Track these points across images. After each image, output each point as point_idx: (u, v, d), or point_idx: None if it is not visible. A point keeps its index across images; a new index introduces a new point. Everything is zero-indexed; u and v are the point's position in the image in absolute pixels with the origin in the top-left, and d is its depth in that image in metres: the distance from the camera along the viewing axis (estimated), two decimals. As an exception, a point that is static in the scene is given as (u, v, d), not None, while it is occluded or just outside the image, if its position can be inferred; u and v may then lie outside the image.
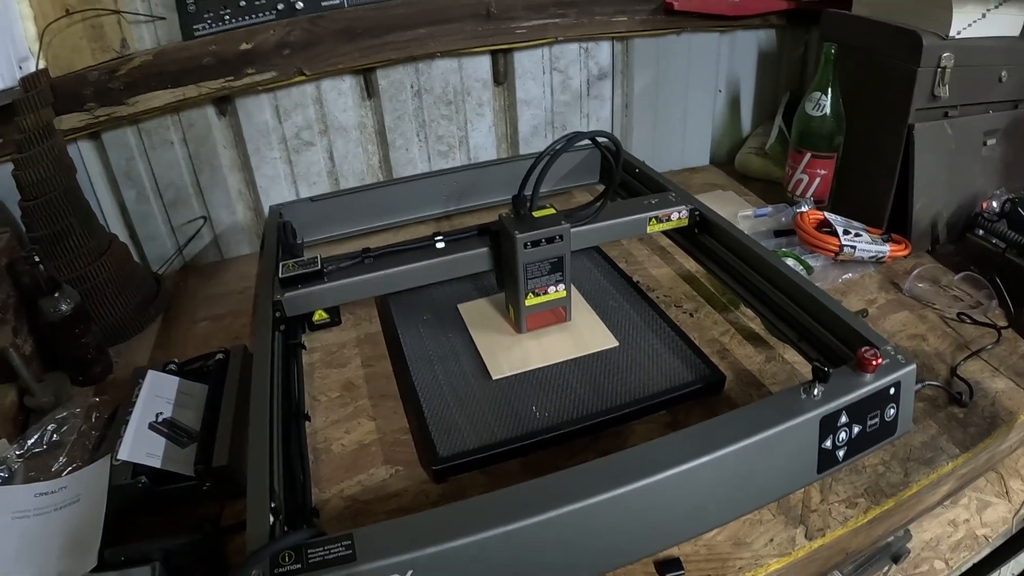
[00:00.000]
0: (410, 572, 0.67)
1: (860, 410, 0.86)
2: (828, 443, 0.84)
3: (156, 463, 0.93)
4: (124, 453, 0.93)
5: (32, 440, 1.04)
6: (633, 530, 0.77)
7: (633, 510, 0.75)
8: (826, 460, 0.85)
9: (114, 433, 0.98)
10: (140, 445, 0.95)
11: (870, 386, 0.85)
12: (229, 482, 0.93)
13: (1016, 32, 1.42)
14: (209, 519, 0.91)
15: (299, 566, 0.66)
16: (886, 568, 1.48)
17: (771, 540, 0.86)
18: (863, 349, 0.86)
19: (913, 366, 0.89)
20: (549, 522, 0.71)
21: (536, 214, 1.08)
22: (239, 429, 0.98)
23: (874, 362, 0.85)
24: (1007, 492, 1.85)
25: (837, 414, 0.83)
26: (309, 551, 0.67)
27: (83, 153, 1.38)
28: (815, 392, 0.83)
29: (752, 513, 0.88)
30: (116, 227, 1.47)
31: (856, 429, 0.86)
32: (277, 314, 1.07)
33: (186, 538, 0.83)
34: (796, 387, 0.85)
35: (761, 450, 0.80)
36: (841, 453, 0.86)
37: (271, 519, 0.73)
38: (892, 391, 0.87)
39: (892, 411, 0.88)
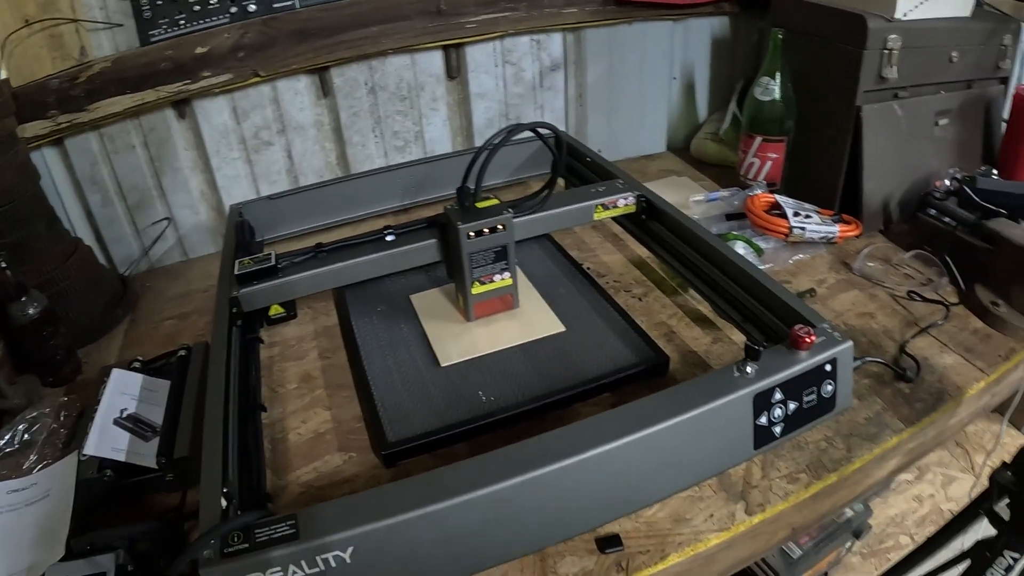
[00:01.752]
0: (351, 548, 0.71)
1: (795, 387, 0.89)
2: (763, 420, 0.88)
3: (121, 457, 0.96)
4: (90, 448, 0.96)
5: (4, 440, 1.06)
6: (572, 505, 0.81)
7: (570, 485, 0.79)
8: (762, 436, 0.89)
9: (82, 430, 1.01)
10: (105, 440, 0.98)
11: (804, 363, 0.89)
12: (190, 472, 0.96)
13: (967, 13, 1.46)
14: (173, 508, 0.94)
15: (246, 545, 0.70)
16: (848, 543, 1.53)
17: (711, 516, 0.89)
18: (796, 327, 0.90)
19: (850, 343, 0.92)
20: (487, 497, 0.74)
21: (480, 205, 1.12)
22: (200, 422, 1.02)
23: (807, 339, 0.88)
24: (972, 467, 1.90)
25: (771, 391, 0.87)
26: (256, 531, 0.71)
27: (47, 159, 1.40)
28: (748, 370, 0.86)
29: (693, 490, 0.92)
30: (82, 231, 1.49)
31: (792, 406, 0.89)
32: (234, 309, 1.11)
33: (148, 525, 0.87)
34: (730, 366, 0.88)
35: (695, 427, 0.83)
36: (778, 429, 0.89)
37: (224, 503, 0.77)
38: (828, 368, 0.91)
39: (830, 387, 0.92)
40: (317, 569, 0.70)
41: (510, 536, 0.79)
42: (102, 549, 0.82)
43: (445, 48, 1.60)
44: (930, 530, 1.28)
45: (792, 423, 0.90)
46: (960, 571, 1.05)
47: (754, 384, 0.86)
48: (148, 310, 1.42)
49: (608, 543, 0.85)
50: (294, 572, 0.70)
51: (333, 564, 0.71)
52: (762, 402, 0.86)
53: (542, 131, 1.14)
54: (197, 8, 1.35)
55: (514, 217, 1.13)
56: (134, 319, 1.40)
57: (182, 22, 1.35)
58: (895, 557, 1.50)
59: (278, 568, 0.69)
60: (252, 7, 1.38)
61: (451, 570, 0.78)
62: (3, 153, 1.19)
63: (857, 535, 1.50)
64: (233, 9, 1.37)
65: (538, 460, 0.77)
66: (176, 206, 1.55)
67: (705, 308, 1.24)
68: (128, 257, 1.56)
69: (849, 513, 1.48)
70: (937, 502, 1.81)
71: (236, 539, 0.71)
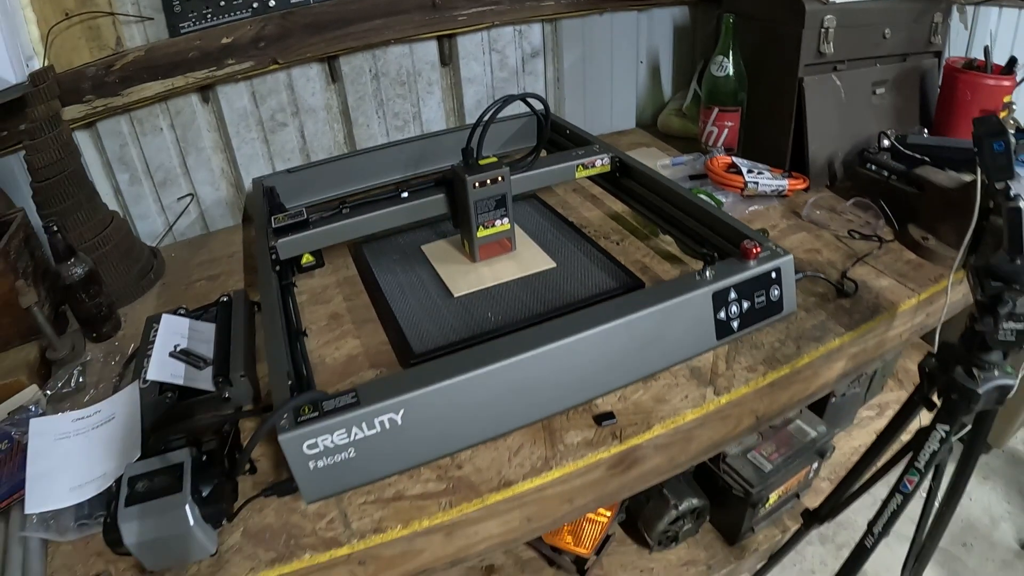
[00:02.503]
0: (401, 411, 0.90)
1: (747, 289, 1.10)
2: (722, 315, 1.09)
3: (179, 381, 1.11)
4: (152, 374, 1.10)
5: (61, 382, 1.22)
6: (570, 379, 1.01)
7: (567, 362, 0.99)
8: (723, 329, 1.10)
9: (138, 365, 1.16)
10: (164, 368, 1.12)
11: (752, 270, 1.10)
12: (243, 392, 1.12)
13: (899, -6, 1.66)
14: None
15: (316, 414, 0.88)
16: (815, 464, 1.72)
17: (686, 397, 1.08)
18: (745, 241, 1.11)
19: (790, 256, 1.14)
20: (501, 369, 0.95)
21: (481, 162, 1.31)
22: (249, 350, 1.19)
23: (754, 251, 1.10)
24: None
25: (726, 291, 1.08)
26: (324, 403, 0.89)
27: (80, 142, 1.54)
28: (707, 274, 1.07)
29: (669, 378, 1.11)
30: (111, 208, 1.62)
31: (745, 305, 1.11)
32: (273, 256, 1.28)
33: (212, 419, 1.05)
34: (692, 272, 1.10)
35: (665, 317, 1.04)
36: (735, 324, 1.11)
37: (290, 392, 0.94)
38: (774, 275, 1.13)
39: (776, 292, 1.14)
40: (375, 430, 0.89)
41: (520, 404, 0.99)
42: (175, 448, 0.95)
43: (439, 38, 1.78)
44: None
45: (747, 320, 1.12)
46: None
47: (712, 284, 1.07)
48: (177, 275, 1.57)
49: (604, 418, 1.04)
50: (356, 433, 0.89)
51: (387, 425, 0.90)
52: (720, 300, 1.08)
53: (532, 101, 1.33)
54: (223, 3, 1.51)
55: (510, 173, 1.32)
56: (165, 283, 1.55)
57: (209, 15, 1.51)
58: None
59: (343, 430, 0.88)
60: (272, 2, 1.55)
61: (478, 432, 0.98)
62: (50, 131, 1.34)
63: (822, 455, 1.68)
64: (255, 4, 1.54)
65: (540, 341, 0.98)
66: (199, 183, 1.71)
67: (674, 249, 1.44)
68: (153, 232, 1.71)
69: (812, 433, 1.67)
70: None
71: (308, 410, 0.89)
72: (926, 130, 1.62)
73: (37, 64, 1.41)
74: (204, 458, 0.95)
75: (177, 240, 1.74)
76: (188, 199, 1.71)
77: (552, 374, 0.99)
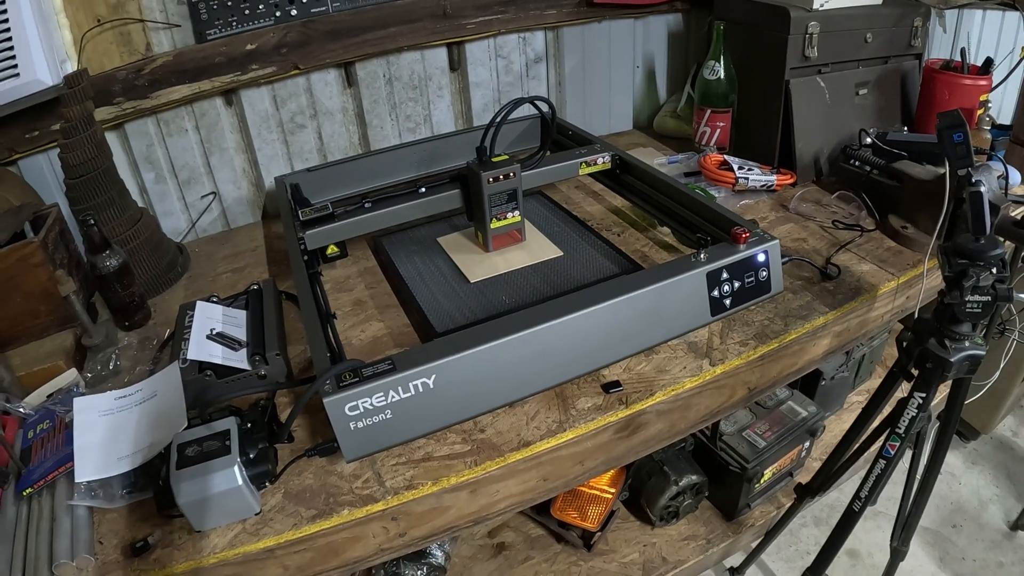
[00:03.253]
0: (433, 376, 1.00)
1: (738, 270, 1.21)
2: (716, 293, 1.20)
3: (217, 360, 1.19)
4: (191, 354, 1.19)
5: (100, 366, 1.30)
6: (579, 350, 1.12)
7: (577, 334, 1.10)
8: (717, 306, 1.21)
9: (175, 348, 1.24)
10: (202, 349, 1.21)
11: (742, 253, 1.21)
12: (279, 368, 1.21)
13: (879, 0, 1.77)
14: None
15: (357, 379, 0.98)
16: (807, 443, 1.82)
17: (684, 368, 1.19)
18: (735, 227, 1.22)
19: (776, 240, 1.24)
20: (519, 339, 1.05)
21: (494, 159, 1.41)
22: (280, 333, 1.28)
23: (743, 235, 1.21)
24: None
25: (719, 271, 1.19)
26: (363, 370, 0.99)
27: (108, 143, 1.60)
28: (701, 256, 1.18)
29: (668, 352, 1.21)
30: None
31: (736, 284, 1.22)
32: (302, 247, 1.38)
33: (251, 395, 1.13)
34: (688, 255, 1.21)
35: (664, 295, 1.15)
36: (728, 302, 1.22)
37: (330, 363, 1.04)
38: (762, 258, 1.23)
39: (764, 273, 1.24)
40: (410, 393, 0.99)
41: (538, 369, 1.09)
42: (219, 418, 1.04)
43: (449, 45, 1.88)
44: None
45: (738, 298, 1.23)
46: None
47: (706, 266, 1.18)
48: (203, 268, 1.67)
49: (611, 386, 1.14)
50: (393, 396, 0.99)
51: (421, 388, 1.00)
52: (713, 279, 1.19)
53: (539, 104, 1.43)
54: (247, 12, 1.61)
55: (521, 170, 1.42)
56: (191, 276, 1.64)
57: (234, 23, 1.61)
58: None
59: (381, 393, 0.98)
60: (293, 12, 1.65)
61: (500, 395, 1.09)
62: (85, 130, 1.41)
63: (812, 433, 1.78)
64: (277, 13, 1.63)
65: (553, 315, 1.08)
66: (221, 182, 1.80)
67: (671, 239, 1.54)
68: (177, 228, 1.80)
69: (803, 413, 1.77)
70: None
71: (348, 376, 0.98)
72: (906, 127, 1.72)
73: (70, 67, 1.49)
74: (248, 426, 1.04)
75: (199, 236, 1.83)
76: (211, 197, 1.80)
77: (564, 344, 1.09)
